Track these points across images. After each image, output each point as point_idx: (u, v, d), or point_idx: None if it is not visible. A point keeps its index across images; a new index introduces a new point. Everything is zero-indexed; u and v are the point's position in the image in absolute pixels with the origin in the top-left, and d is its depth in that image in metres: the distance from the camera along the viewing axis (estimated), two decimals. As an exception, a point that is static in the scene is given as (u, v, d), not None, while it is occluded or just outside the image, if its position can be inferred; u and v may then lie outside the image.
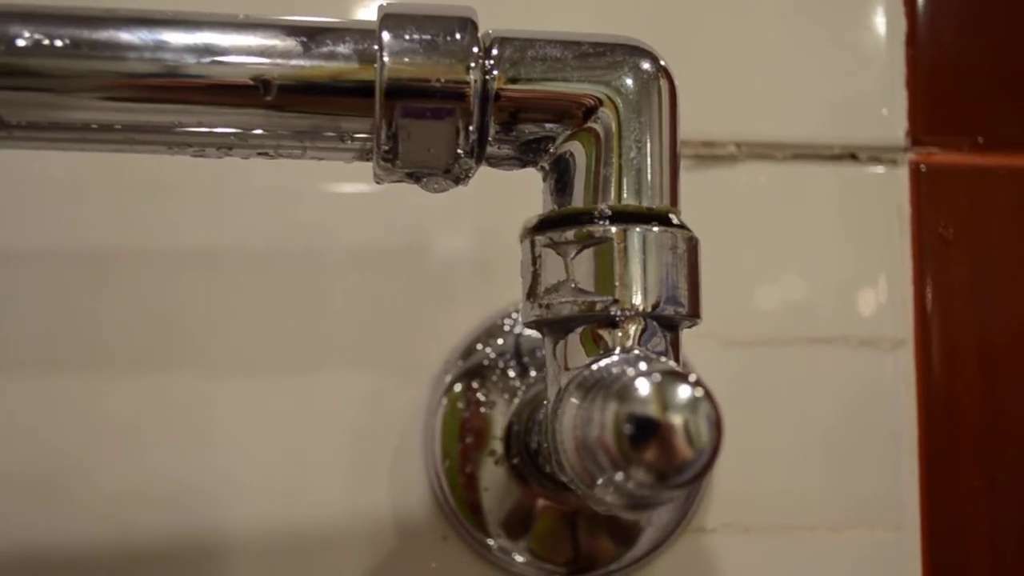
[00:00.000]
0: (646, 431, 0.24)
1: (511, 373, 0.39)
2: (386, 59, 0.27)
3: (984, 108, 0.43)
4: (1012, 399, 0.40)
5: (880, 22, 0.43)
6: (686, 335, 0.33)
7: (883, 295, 0.41)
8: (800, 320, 0.41)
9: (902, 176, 0.42)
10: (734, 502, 0.39)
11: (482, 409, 0.39)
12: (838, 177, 0.42)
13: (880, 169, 0.42)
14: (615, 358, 0.27)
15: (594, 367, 0.27)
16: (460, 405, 0.39)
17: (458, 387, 0.40)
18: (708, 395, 0.25)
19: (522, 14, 0.40)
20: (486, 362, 0.40)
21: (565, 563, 0.39)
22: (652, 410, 0.24)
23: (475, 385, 0.40)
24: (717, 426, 0.25)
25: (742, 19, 0.43)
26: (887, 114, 0.42)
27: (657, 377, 0.25)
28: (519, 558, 0.39)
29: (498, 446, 0.39)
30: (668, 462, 0.25)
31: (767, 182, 0.42)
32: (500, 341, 0.39)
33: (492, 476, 0.39)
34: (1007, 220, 0.42)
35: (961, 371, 0.41)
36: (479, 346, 0.40)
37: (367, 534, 0.39)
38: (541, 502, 0.39)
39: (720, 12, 0.43)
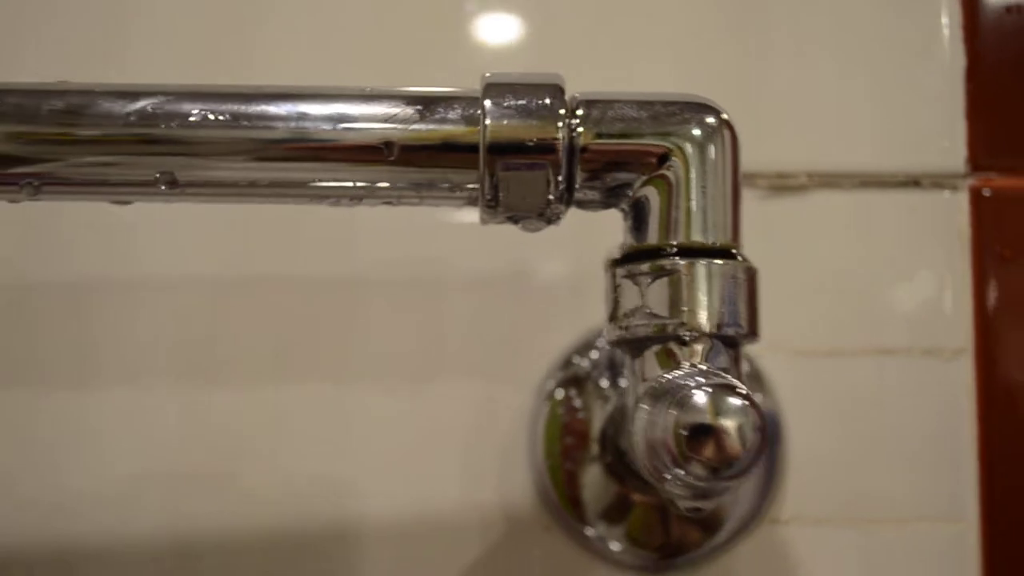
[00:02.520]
0: (700, 434, 0.29)
1: (604, 383, 0.43)
2: (488, 122, 0.32)
3: None
4: None
5: (942, 58, 0.45)
6: (767, 349, 0.38)
7: (946, 309, 0.44)
8: (869, 332, 0.44)
9: (962, 200, 0.45)
10: (806, 497, 0.43)
11: (579, 414, 0.44)
12: (903, 202, 0.45)
13: (942, 194, 0.45)
14: (680, 372, 0.31)
15: (663, 379, 0.31)
16: (560, 411, 0.44)
17: (559, 394, 0.44)
18: (753, 404, 0.29)
19: (611, 67, 0.46)
20: (582, 373, 0.44)
21: (656, 549, 0.43)
22: (706, 417, 0.29)
23: (573, 393, 0.44)
24: (761, 430, 0.29)
25: (810, 58, 0.46)
26: (948, 144, 0.45)
27: (711, 389, 0.30)
28: (615, 546, 0.43)
29: (594, 447, 0.43)
30: (719, 459, 0.30)
31: (836, 209, 0.45)
32: (594, 355, 0.44)
33: (589, 473, 0.43)
34: None
35: (1017, 377, 0.43)
36: (576, 359, 0.44)
37: (479, 524, 0.43)
38: (634, 496, 0.43)
39: (790, 53, 0.46)
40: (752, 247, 0.35)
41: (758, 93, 0.45)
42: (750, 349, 0.43)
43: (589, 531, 0.43)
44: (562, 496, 0.44)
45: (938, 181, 0.45)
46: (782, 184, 0.45)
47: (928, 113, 0.46)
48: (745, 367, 0.44)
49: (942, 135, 0.45)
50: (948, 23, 0.46)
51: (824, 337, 0.44)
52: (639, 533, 0.44)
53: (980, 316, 0.44)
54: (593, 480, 0.44)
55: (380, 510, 0.44)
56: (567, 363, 0.45)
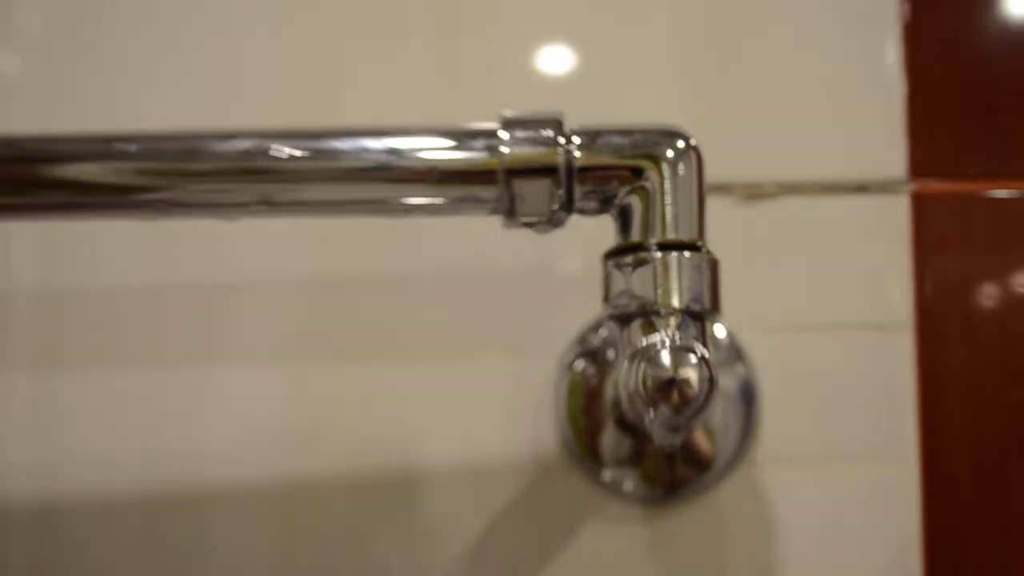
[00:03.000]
0: (664, 383, 0.36)
1: (611, 354, 0.50)
2: (503, 151, 0.39)
3: (969, 148, 0.51)
4: (987, 364, 0.50)
5: (887, 84, 0.52)
6: (747, 327, 0.44)
7: (891, 292, 0.51)
8: (829, 312, 0.50)
9: (904, 202, 0.51)
10: (777, 443, 0.50)
11: (592, 380, 0.50)
12: (854, 205, 0.51)
13: (887, 198, 0.51)
14: (653, 338, 0.39)
15: (640, 343, 0.39)
16: (578, 378, 0.51)
17: (577, 365, 0.51)
18: (706, 361, 0.36)
19: (606, 97, 0.53)
20: (594, 347, 0.51)
21: (660, 486, 0.50)
22: (668, 371, 0.36)
23: (587, 363, 0.51)
24: (710, 380, 0.36)
25: (778, 87, 0.53)
26: (892, 156, 0.51)
27: (673, 349, 0.37)
28: (627, 485, 0.50)
29: (606, 405, 0.50)
30: (679, 402, 0.36)
31: (800, 212, 0.52)
32: (603, 332, 0.51)
33: (602, 428, 0.50)
34: (986, 233, 0.51)
35: (948, 347, 0.50)
36: (589, 336, 0.51)
37: (515, 469, 0.50)
38: (639, 444, 0.50)
39: (761, 83, 0.53)
40: (731, 244, 0.43)
41: (735, 117, 0.52)
42: (734, 327, 0.50)
43: (605, 474, 0.50)
44: (582, 446, 0.51)
45: (883, 187, 0.51)
46: (755, 192, 0.51)
47: (876, 131, 0.52)
48: (728, 340, 0.51)
49: (887, 149, 0.51)
50: (893, 56, 0.52)
51: (792, 316, 0.51)
52: (646, 474, 0.50)
53: (919, 298, 0.51)
54: (607, 433, 0.51)
55: (437, 457, 0.51)
56: (582, 339, 0.51)
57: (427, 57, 0.54)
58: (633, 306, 0.40)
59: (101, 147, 0.42)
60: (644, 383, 0.37)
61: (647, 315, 0.40)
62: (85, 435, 0.51)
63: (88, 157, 0.41)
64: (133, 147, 0.41)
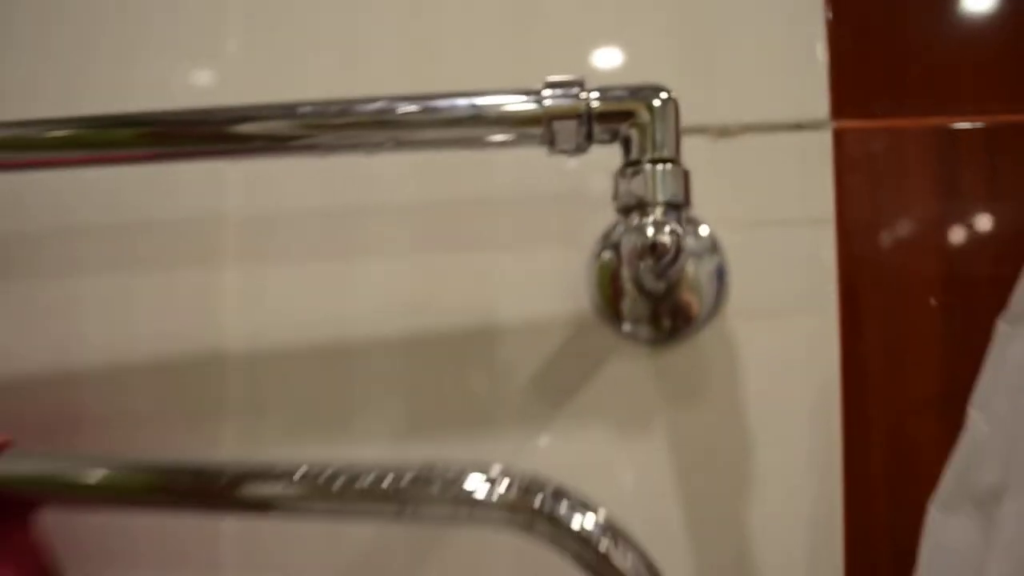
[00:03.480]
0: (647, 245, 0.54)
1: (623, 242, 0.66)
2: (547, 103, 0.56)
3: (880, 92, 0.65)
4: (889, 244, 0.64)
5: (815, 48, 0.66)
6: (720, 223, 0.62)
7: (819, 197, 0.65)
8: (775, 213, 0.65)
9: (828, 137, 0.65)
10: (738, 305, 0.65)
11: (612, 263, 0.65)
12: (793, 139, 0.66)
13: (816, 133, 0.66)
14: (645, 218, 0.55)
15: (635, 223, 0.56)
16: (603, 262, 0.66)
17: (604, 254, 0.66)
18: (675, 231, 0.53)
19: (613, 60, 0.70)
20: (613, 240, 0.66)
21: (661, 332, 0.66)
22: (649, 236, 0.54)
23: (609, 251, 0.66)
24: (678, 244, 0.53)
25: (739, 49, 0.67)
26: (819, 99, 0.66)
27: (654, 225, 0.54)
28: (638, 333, 0.66)
29: (622, 279, 0.65)
30: (657, 256, 0.53)
31: (755, 145, 0.66)
32: (619, 229, 0.66)
33: (621, 295, 0.66)
34: (890, 158, 0.65)
35: (860, 234, 0.64)
36: (610, 233, 0.66)
37: (561, 325, 0.67)
38: (645, 305, 0.66)
39: (727, 46, 0.67)
40: (705, 169, 0.60)
41: (707, 74, 0.68)
42: (711, 223, 0.66)
43: (624, 326, 0.66)
44: (607, 308, 0.67)
45: (813, 124, 0.66)
46: (723, 132, 0.67)
47: (808, 82, 0.67)
48: (709, 235, 0.66)
49: (816, 94, 0.66)
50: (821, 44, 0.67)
51: (749, 215, 0.67)
52: (651, 325, 0.66)
53: (839, 197, 0.65)
54: (624, 299, 0.66)
55: (510, 318, 0.68)
56: (606, 236, 0.67)
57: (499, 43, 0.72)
58: (632, 201, 0.57)
59: (287, 111, 0.60)
60: (636, 245, 0.55)
61: (641, 206, 0.57)
62: (290, 310, 0.72)
63: (279, 116, 0.60)
64: (308, 108, 0.60)
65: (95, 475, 0.60)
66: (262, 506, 0.59)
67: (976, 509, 0.49)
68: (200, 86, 0.76)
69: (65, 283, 0.77)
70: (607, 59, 0.71)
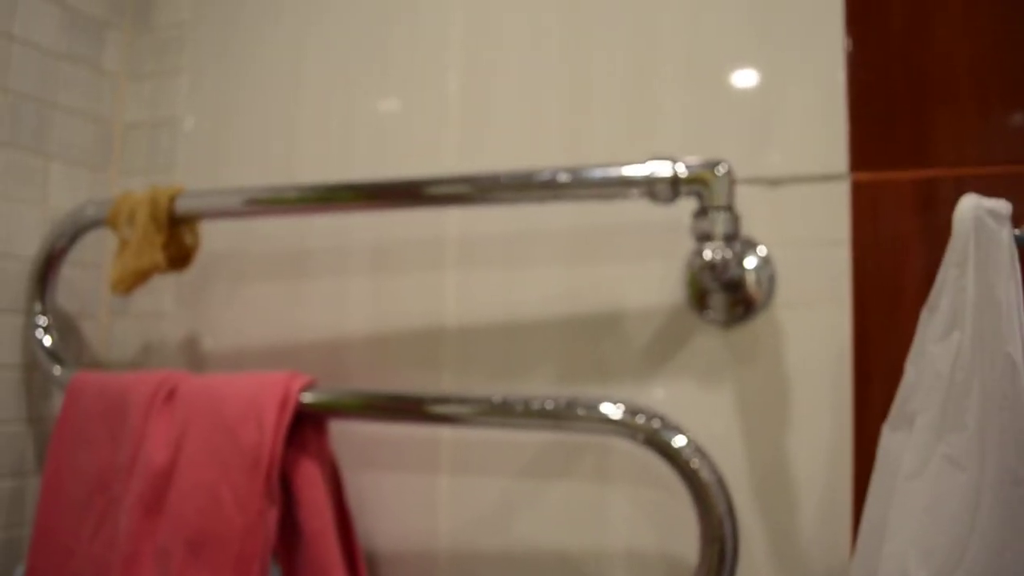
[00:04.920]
0: (707, 264, 0.84)
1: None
2: (652, 172, 0.88)
3: (884, 150, 0.90)
4: (892, 261, 0.93)
5: (838, 117, 0.94)
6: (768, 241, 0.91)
7: (839, 225, 0.91)
8: (811, 232, 0.94)
9: (846, 187, 0.91)
10: (785, 292, 0.94)
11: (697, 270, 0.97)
12: (822, 188, 0.92)
13: (837, 184, 0.91)
14: (707, 246, 0.85)
15: (702, 249, 0.85)
16: (693, 271, 0.95)
17: (693, 263, 0.95)
18: (726, 256, 0.83)
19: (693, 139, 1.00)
20: (700, 251, 0.95)
21: (732, 316, 0.93)
22: (708, 259, 0.85)
23: (696, 261, 0.92)
24: (727, 262, 0.83)
25: (775, 112, 0.96)
26: (840, 155, 0.91)
27: (712, 251, 0.84)
28: (716, 317, 0.94)
29: (704, 280, 0.92)
30: (713, 269, 0.84)
31: (799, 191, 0.92)
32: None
33: (707, 291, 0.94)
34: (889, 200, 0.90)
35: (874, 255, 0.91)
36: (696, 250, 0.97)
37: (655, 312, 0.97)
38: (721, 298, 0.94)
39: (775, 110, 0.96)
40: (761, 208, 0.89)
41: (763, 133, 0.96)
42: (765, 243, 0.94)
43: (707, 313, 0.95)
44: (695, 301, 0.96)
45: (835, 177, 0.92)
46: (772, 182, 0.95)
47: (830, 141, 0.93)
48: (764, 251, 0.94)
49: (837, 151, 0.92)
50: (842, 90, 0.94)
51: (792, 239, 0.94)
52: (725, 312, 0.94)
53: (854, 226, 0.91)
54: (708, 295, 0.95)
55: (622, 307, 0.99)
56: (695, 253, 0.93)
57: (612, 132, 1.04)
58: (702, 234, 0.86)
59: (487, 179, 0.95)
60: (701, 263, 0.85)
61: (707, 237, 0.86)
62: (486, 300, 1.06)
63: (478, 183, 0.94)
64: (503, 178, 0.93)
65: (361, 399, 0.98)
66: (466, 420, 0.94)
67: (906, 426, 0.77)
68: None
69: (335, 280, 1.14)
70: (695, 131, 1.00)
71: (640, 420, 0.87)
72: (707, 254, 0.85)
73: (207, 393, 0.99)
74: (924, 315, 0.77)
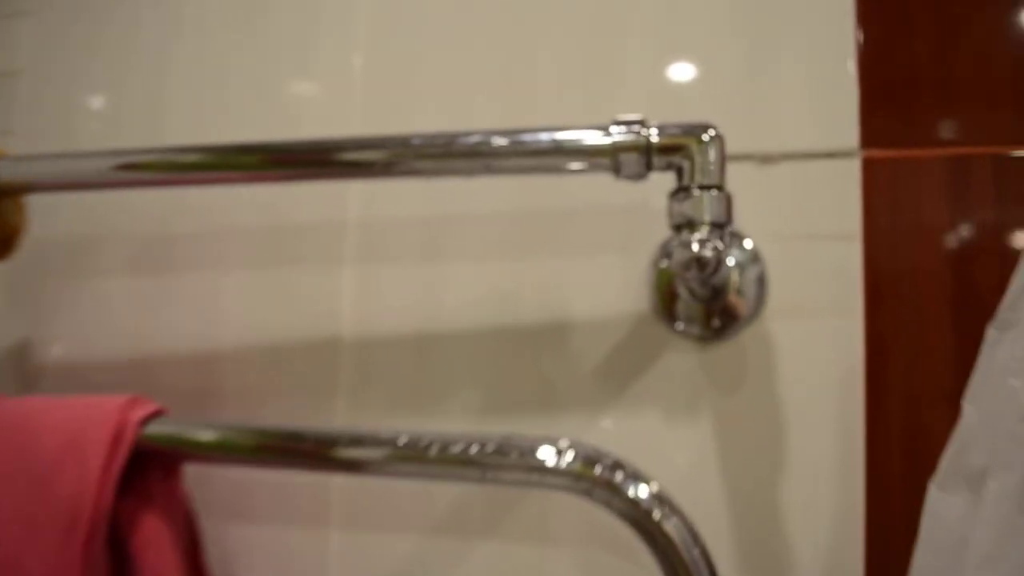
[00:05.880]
0: (692, 258, 0.62)
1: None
2: (614, 139, 0.65)
3: (904, 123, 0.72)
4: (906, 240, 0.72)
5: (850, 90, 0.74)
6: (762, 236, 0.69)
7: (850, 215, 0.72)
8: (808, 228, 0.72)
9: (857, 164, 0.72)
10: (777, 305, 0.72)
11: (667, 270, 0.74)
12: (828, 165, 0.73)
13: (845, 162, 0.72)
14: (692, 235, 0.63)
15: (684, 239, 0.64)
16: (661, 269, 0.75)
17: (661, 262, 0.75)
18: (716, 248, 0.61)
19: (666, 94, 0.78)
20: (669, 251, 0.74)
21: (708, 330, 0.73)
22: (695, 252, 0.62)
23: (666, 260, 0.74)
24: (717, 257, 0.61)
25: (784, 87, 0.75)
26: (848, 131, 0.73)
27: (699, 242, 0.62)
28: (689, 330, 0.74)
29: (675, 285, 0.73)
30: (699, 267, 0.61)
31: (794, 171, 0.73)
32: (673, 242, 0.72)
33: (675, 298, 0.74)
34: (911, 183, 0.72)
35: (884, 245, 0.71)
36: (666, 244, 0.75)
37: (624, 321, 0.76)
38: (695, 307, 0.73)
39: (773, 87, 0.75)
40: (749, 191, 0.68)
41: (754, 107, 0.76)
42: (754, 236, 0.74)
43: (677, 324, 0.75)
44: (663, 309, 0.75)
45: (845, 153, 0.73)
46: (765, 159, 0.75)
47: (840, 117, 0.74)
48: (752, 247, 0.74)
49: (846, 126, 0.73)
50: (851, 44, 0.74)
51: (788, 231, 0.74)
52: (706, 323, 0.74)
53: (866, 215, 0.72)
54: (677, 301, 0.74)
55: (582, 313, 0.77)
56: (663, 246, 0.75)
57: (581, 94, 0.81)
58: (683, 220, 0.64)
59: (398, 141, 0.70)
60: (685, 258, 0.63)
61: (690, 224, 0.64)
62: (393, 304, 0.82)
63: (388, 146, 0.69)
64: (418, 141, 0.69)
65: (226, 437, 0.71)
66: (366, 467, 0.68)
67: (967, 487, 0.55)
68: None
69: (207, 275, 0.89)
70: (668, 97, 0.79)
71: (595, 470, 0.64)
72: (694, 245, 0.62)
73: (15, 424, 0.73)
74: (992, 335, 0.56)
